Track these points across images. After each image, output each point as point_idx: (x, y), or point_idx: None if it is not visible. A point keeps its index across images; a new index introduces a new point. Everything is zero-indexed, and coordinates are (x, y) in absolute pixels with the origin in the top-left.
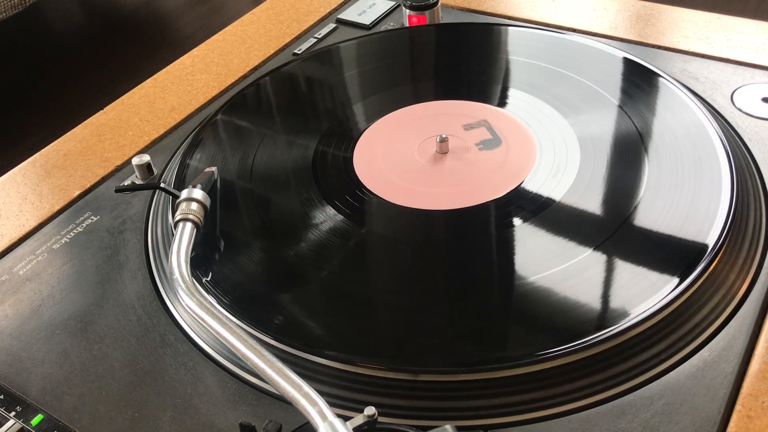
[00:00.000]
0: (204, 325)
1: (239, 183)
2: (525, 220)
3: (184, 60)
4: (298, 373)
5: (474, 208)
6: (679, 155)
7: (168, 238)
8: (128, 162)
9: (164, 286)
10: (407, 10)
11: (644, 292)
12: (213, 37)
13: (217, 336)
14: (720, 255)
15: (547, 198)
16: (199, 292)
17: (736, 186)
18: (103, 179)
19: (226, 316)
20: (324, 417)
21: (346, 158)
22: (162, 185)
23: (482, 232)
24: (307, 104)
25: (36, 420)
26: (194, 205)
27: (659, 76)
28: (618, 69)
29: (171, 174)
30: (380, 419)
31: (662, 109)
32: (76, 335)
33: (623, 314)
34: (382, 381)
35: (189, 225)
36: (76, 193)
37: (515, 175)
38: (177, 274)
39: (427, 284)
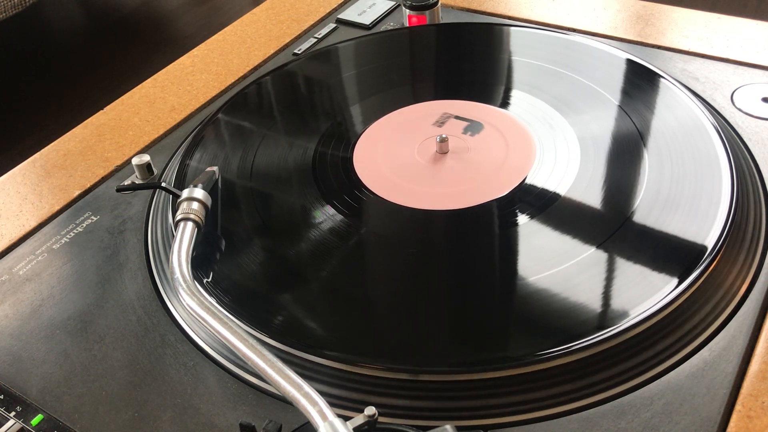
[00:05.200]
0: (205, 324)
1: (239, 183)
2: (524, 221)
3: (184, 60)
4: (298, 373)
5: (474, 208)
6: (679, 155)
7: (168, 238)
8: (128, 162)
9: (164, 286)
10: (407, 10)
11: (644, 292)
12: (213, 37)
13: (218, 336)
14: (720, 255)
15: (547, 199)
16: (200, 292)
17: (736, 186)
18: (103, 179)
19: (227, 316)
20: (324, 417)
21: (347, 158)
22: (163, 184)
23: (482, 232)
24: (307, 104)
25: (36, 420)
26: (195, 205)
27: (659, 76)
28: (618, 69)
29: (171, 174)
30: (380, 419)
31: (662, 109)
32: (76, 335)
33: (623, 314)
34: (382, 381)
35: (190, 224)
36: (76, 193)
37: (515, 175)
38: (178, 274)
39: (427, 284)
